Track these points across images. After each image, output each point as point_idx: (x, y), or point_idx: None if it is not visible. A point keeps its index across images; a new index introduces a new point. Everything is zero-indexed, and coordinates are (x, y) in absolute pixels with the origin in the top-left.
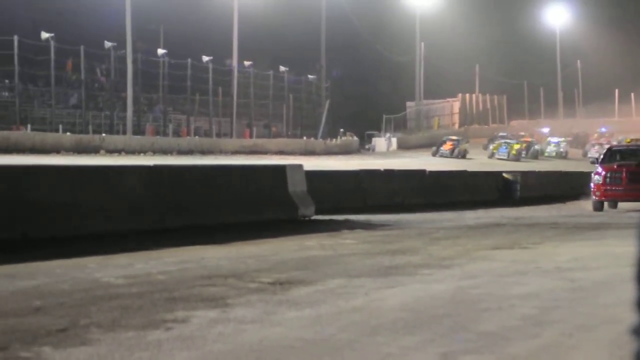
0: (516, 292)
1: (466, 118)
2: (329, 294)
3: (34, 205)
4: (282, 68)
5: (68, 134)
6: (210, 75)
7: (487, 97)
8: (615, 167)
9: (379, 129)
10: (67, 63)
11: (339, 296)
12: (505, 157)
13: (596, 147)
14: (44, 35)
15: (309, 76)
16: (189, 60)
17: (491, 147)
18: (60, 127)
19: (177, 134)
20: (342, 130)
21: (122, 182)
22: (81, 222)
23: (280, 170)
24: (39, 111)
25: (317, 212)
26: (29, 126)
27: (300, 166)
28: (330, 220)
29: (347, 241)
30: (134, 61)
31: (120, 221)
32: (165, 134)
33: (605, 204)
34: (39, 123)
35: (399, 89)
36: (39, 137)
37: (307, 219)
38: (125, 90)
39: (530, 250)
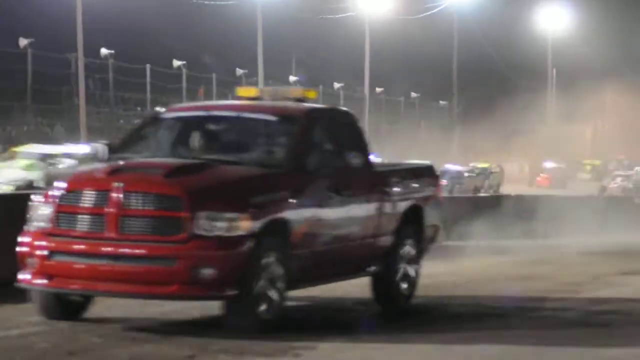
0: None
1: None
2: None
3: None
4: (413, 94)
5: None
6: (342, 102)
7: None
8: (97, 177)
9: (509, 155)
10: (198, 90)
11: None
12: None
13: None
14: (176, 63)
15: (440, 102)
16: (320, 87)
17: None
18: None
19: None
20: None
21: None
22: None
23: None
24: None
25: (446, 238)
26: None
27: None
28: (460, 246)
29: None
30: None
31: None
32: None
33: None
34: None
35: (529, 113)
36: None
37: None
38: None
39: None
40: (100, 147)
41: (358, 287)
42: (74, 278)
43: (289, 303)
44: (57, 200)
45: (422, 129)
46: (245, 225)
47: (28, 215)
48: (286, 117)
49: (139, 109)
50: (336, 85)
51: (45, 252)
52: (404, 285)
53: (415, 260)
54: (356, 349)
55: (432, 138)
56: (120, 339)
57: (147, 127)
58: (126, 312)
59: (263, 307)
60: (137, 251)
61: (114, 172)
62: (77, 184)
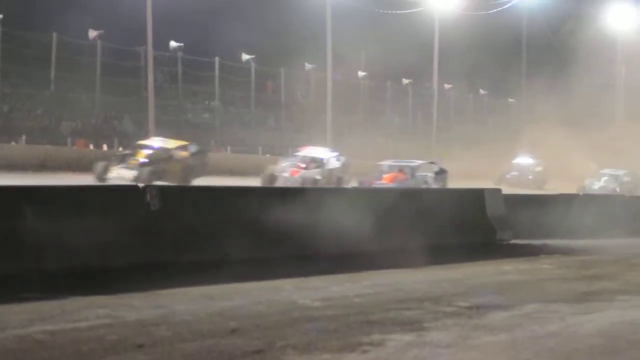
0: None
1: None
2: (524, 318)
3: (236, 225)
4: (481, 91)
5: (267, 155)
6: (410, 97)
7: None
8: None
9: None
10: (266, 84)
11: (535, 321)
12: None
13: None
14: (245, 56)
15: (509, 99)
16: (389, 83)
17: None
18: (260, 148)
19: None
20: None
21: (327, 204)
22: (279, 244)
23: (479, 193)
24: (238, 133)
25: (515, 236)
26: (228, 148)
27: (498, 190)
28: (528, 245)
29: (544, 266)
30: (334, 83)
31: (318, 244)
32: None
33: None
34: (238, 144)
35: (598, 112)
36: (239, 159)
37: (504, 242)
38: (324, 112)
39: None
40: None
41: (423, 284)
42: None
43: (354, 299)
44: None
45: (489, 126)
46: None
47: None
48: None
49: (207, 102)
50: (405, 81)
51: None
52: None
53: None
54: (424, 346)
55: (501, 135)
56: (188, 332)
57: None
58: (194, 306)
59: None
60: None
61: None
62: None
